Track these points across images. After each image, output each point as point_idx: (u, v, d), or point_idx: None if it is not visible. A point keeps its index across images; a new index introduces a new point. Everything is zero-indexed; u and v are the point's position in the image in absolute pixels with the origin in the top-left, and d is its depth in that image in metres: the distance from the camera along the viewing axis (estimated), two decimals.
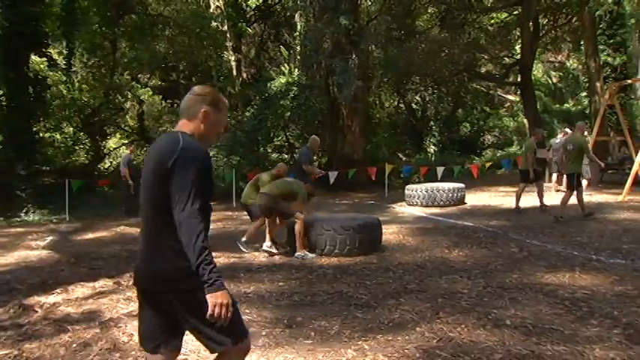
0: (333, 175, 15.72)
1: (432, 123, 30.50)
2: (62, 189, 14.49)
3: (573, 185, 10.38)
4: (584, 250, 7.78)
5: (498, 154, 27.89)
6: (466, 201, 14.21)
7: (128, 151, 14.27)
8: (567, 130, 15.72)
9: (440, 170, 16.54)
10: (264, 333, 4.79)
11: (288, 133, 21.54)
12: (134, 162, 14.28)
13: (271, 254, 8.25)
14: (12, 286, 6.72)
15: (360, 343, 4.44)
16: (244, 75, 25.60)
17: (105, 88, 20.44)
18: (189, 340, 4.59)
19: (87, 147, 21.60)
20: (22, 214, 14.55)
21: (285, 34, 28.21)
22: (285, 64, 24.32)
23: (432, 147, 29.40)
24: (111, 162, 23.23)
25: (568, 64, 33.99)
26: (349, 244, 7.87)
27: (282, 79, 21.21)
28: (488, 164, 20.26)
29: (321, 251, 7.94)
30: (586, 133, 15.08)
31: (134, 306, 5.70)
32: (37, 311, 5.65)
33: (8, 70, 16.16)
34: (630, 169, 13.70)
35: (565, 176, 11.11)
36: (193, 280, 2.44)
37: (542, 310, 5.11)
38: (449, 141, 29.99)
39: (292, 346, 4.45)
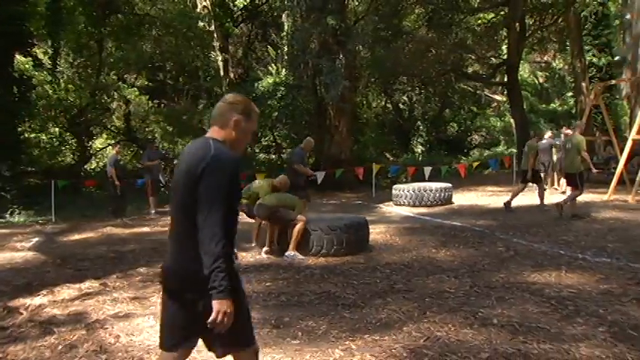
0: (320, 175, 15.72)
1: (419, 123, 30.63)
2: (48, 190, 14.38)
3: (577, 183, 10.54)
4: (570, 249, 7.83)
5: (485, 154, 28.07)
6: (453, 201, 14.25)
7: (114, 152, 14.18)
8: (551, 131, 15.89)
9: (427, 170, 16.59)
10: None
11: (275, 134, 21.53)
12: (120, 162, 14.20)
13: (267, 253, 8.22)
14: None
15: (347, 343, 4.44)
16: (231, 75, 25.50)
17: (91, 88, 20.28)
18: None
19: (73, 147, 21.44)
20: (7, 216, 14.40)
21: (273, 34, 28.18)
22: (273, 64, 24.34)
23: (420, 147, 29.53)
24: (97, 162, 23.10)
25: (554, 64, 34.25)
26: (336, 244, 7.86)
27: (270, 79, 21.20)
28: (475, 164, 20.36)
29: (308, 251, 7.93)
30: (570, 131, 15.19)
31: (121, 307, 5.68)
32: (22, 313, 5.60)
33: None
34: (615, 168, 13.81)
35: (565, 175, 11.16)
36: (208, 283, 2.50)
37: (528, 308, 5.14)
38: (436, 141, 30.13)
39: (280, 346, 4.44)
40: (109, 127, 23.99)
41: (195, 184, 2.55)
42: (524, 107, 24.80)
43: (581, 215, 10.54)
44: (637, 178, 12.97)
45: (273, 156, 22.49)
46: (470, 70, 28.61)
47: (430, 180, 15.81)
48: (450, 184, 14.42)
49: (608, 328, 4.56)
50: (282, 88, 19.83)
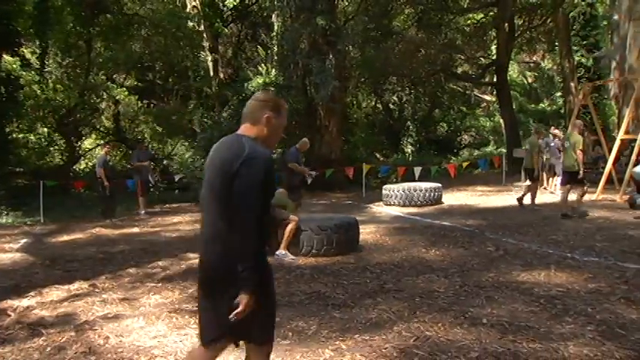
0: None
1: (409, 123, 30.67)
2: (36, 190, 14.28)
3: (581, 182, 10.65)
4: (559, 248, 7.87)
5: (475, 154, 28.15)
6: (443, 200, 14.29)
7: (103, 152, 14.08)
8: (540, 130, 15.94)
9: (417, 170, 16.62)
10: None
11: None
12: (110, 163, 14.13)
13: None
14: None
15: (337, 343, 4.44)
16: (221, 75, 25.40)
17: (80, 89, 20.17)
18: (174, 341, 4.55)
19: (62, 148, 21.32)
20: None
21: (263, 34, 28.10)
22: (263, 65, 24.23)
23: (410, 147, 29.57)
24: (86, 163, 22.97)
25: (543, 64, 34.42)
26: (326, 244, 7.86)
27: (260, 80, 21.11)
28: (465, 164, 20.42)
29: (299, 251, 7.92)
30: (557, 131, 15.29)
31: (110, 308, 5.66)
32: (10, 315, 5.56)
33: None
34: (604, 168, 13.89)
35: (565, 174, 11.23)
36: (240, 277, 2.61)
37: (518, 308, 5.16)
38: (426, 141, 30.21)
39: None
40: (98, 127, 23.89)
41: (231, 180, 2.63)
42: (514, 107, 24.93)
43: (570, 214, 10.60)
44: (625, 178, 13.06)
45: None
46: (459, 70, 28.72)
47: (420, 180, 15.85)
48: (439, 184, 14.46)
49: (597, 326, 4.59)
50: (272, 89, 19.73)
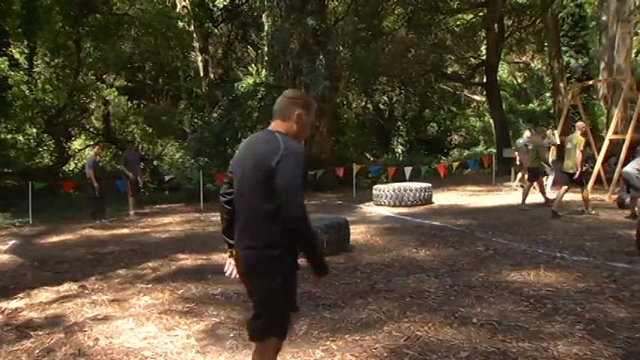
0: None
1: (399, 123, 30.72)
2: (25, 191, 14.19)
3: (582, 181, 10.85)
4: (548, 247, 7.90)
5: (465, 154, 28.21)
6: (433, 200, 14.31)
7: (93, 153, 13.97)
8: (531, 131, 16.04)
9: (408, 170, 16.63)
10: (231, 334, 4.77)
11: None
12: (100, 164, 14.02)
13: None
14: None
15: (328, 343, 4.45)
16: (211, 75, 25.39)
17: (69, 89, 20.04)
18: (155, 343, 4.54)
19: (51, 148, 21.18)
20: None
21: (253, 34, 28.08)
22: (253, 65, 24.22)
23: (400, 147, 29.61)
24: (76, 164, 22.85)
25: (532, 64, 34.58)
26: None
27: (250, 80, 21.08)
28: (455, 164, 20.47)
29: None
30: (549, 131, 15.36)
31: (100, 310, 5.64)
32: None
33: None
34: (593, 168, 13.97)
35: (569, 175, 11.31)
36: (273, 266, 2.88)
37: (507, 307, 5.18)
38: (416, 141, 30.26)
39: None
40: (87, 127, 23.76)
41: (269, 176, 2.77)
42: (503, 107, 25.00)
43: (561, 214, 10.67)
44: (614, 178, 13.13)
45: None
46: (449, 70, 28.80)
47: (411, 180, 15.86)
48: (429, 184, 14.48)
49: (586, 325, 4.62)
50: (263, 89, 19.72)
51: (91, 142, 22.33)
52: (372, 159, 27.28)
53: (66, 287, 6.66)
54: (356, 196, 16.37)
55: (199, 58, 24.05)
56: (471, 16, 24.99)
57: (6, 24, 17.33)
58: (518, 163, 16.02)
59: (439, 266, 7.02)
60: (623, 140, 13.41)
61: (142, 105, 25.52)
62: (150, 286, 6.60)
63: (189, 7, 23.01)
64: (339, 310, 5.31)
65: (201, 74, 24.10)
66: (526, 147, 15.64)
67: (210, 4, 24.50)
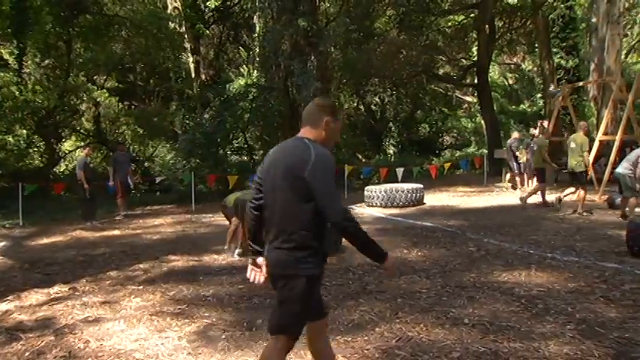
0: None
1: (391, 124, 30.76)
2: (15, 193, 14.11)
3: (583, 182, 10.96)
4: (539, 248, 7.94)
5: (457, 155, 28.28)
6: (425, 201, 14.34)
7: (84, 154, 13.91)
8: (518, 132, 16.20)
9: (399, 171, 16.66)
10: (223, 336, 4.76)
11: (247, 135, 21.41)
12: (90, 165, 13.95)
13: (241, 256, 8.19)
14: None
15: None
16: (203, 76, 25.37)
17: (59, 90, 19.90)
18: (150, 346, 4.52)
19: (41, 150, 21.04)
20: None
21: (244, 35, 28.08)
22: (244, 66, 24.21)
23: (392, 148, 29.64)
24: (67, 165, 22.72)
25: (523, 66, 34.68)
26: None
27: (241, 81, 21.08)
28: (447, 165, 20.52)
29: None
30: (536, 131, 15.42)
31: (90, 312, 5.61)
32: None
33: None
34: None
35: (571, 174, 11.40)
36: (300, 267, 2.97)
37: (499, 308, 5.20)
38: (408, 142, 30.29)
39: (252, 348, 4.43)
40: (78, 129, 23.61)
41: (301, 181, 2.89)
42: (495, 108, 25.08)
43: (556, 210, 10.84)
44: (604, 178, 13.20)
45: (245, 158, 22.36)
46: (441, 71, 28.86)
47: (402, 181, 15.89)
48: (421, 185, 14.50)
49: (577, 325, 4.64)
50: (254, 90, 19.71)
51: (82, 144, 22.19)
52: (363, 160, 27.29)
53: (56, 289, 6.62)
54: (348, 198, 16.37)
55: (191, 59, 24.02)
56: (462, 17, 25.06)
57: None
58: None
59: (431, 267, 7.03)
60: (613, 141, 13.49)
61: (133, 106, 25.43)
62: (141, 287, 6.58)
63: (180, 8, 22.98)
64: (331, 312, 5.28)
65: (193, 75, 24.06)
66: (511, 148, 15.79)
67: (202, 5, 24.48)
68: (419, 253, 7.99)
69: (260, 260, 3.25)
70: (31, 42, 20.08)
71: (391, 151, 29.28)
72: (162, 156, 23.85)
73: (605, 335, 4.40)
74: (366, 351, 4.26)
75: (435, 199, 15.10)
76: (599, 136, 14.16)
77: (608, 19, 17.60)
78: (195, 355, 4.38)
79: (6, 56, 20.00)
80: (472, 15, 23.88)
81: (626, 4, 21.01)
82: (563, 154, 17.86)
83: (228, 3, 25.50)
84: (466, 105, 35.19)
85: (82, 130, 23.70)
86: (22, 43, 19.76)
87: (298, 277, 2.97)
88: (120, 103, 22.80)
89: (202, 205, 15.72)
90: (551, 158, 13.02)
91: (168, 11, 23.14)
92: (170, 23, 22.11)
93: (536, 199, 12.79)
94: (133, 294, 6.28)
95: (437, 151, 30.54)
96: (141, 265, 7.90)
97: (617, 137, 13.36)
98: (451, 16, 25.00)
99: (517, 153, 15.66)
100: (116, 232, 11.72)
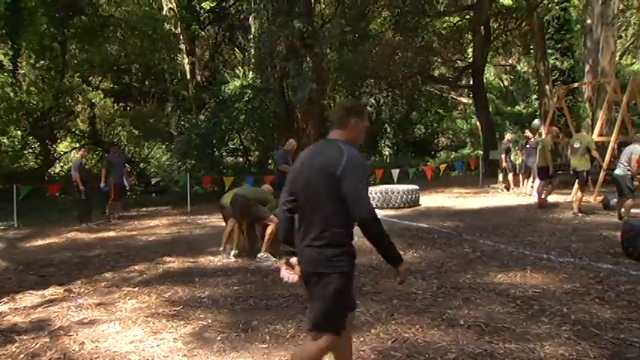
0: None
1: (386, 125, 30.76)
2: (10, 194, 14.07)
3: (584, 182, 11.08)
4: (535, 249, 7.95)
5: (452, 156, 28.32)
6: (420, 203, 14.33)
7: (79, 155, 13.87)
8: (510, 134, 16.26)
9: (395, 172, 16.67)
10: (219, 338, 4.75)
11: (242, 137, 21.40)
12: (86, 166, 13.90)
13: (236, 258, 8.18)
14: None
15: None
16: (198, 78, 25.33)
17: (54, 91, 19.84)
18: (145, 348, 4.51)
19: (36, 151, 21.00)
20: None
21: (240, 36, 28.06)
22: (240, 67, 24.19)
23: (387, 149, 29.66)
24: (62, 166, 22.67)
25: (518, 67, 34.77)
26: None
27: (237, 82, 21.05)
28: (442, 166, 20.54)
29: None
30: (530, 134, 15.46)
31: (86, 314, 5.59)
32: None
33: None
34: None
35: (574, 173, 11.44)
36: (333, 265, 3.08)
37: (494, 309, 5.21)
38: (403, 143, 30.32)
39: (248, 350, 4.43)
40: (73, 130, 23.55)
41: (334, 181, 3.01)
42: (490, 110, 25.13)
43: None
44: (599, 179, 13.23)
45: (241, 159, 22.35)
46: (436, 72, 28.91)
47: (398, 182, 15.89)
48: (417, 186, 14.50)
49: (572, 326, 4.65)
50: (250, 91, 19.68)
51: (77, 145, 22.15)
52: None
53: (51, 291, 6.60)
54: None
55: (186, 61, 23.98)
56: (457, 19, 25.11)
57: None
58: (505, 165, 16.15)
59: (426, 268, 7.03)
60: (608, 142, 13.53)
61: (128, 107, 25.35)
62: (136, 289, 6.56)
63: (175, 9, 22.95)
64: None
65: (188, 77, 24.03)
66: (505, 149, 15.85)
67: (197, 7, 24.45)
68: (414, 255, 7.99)
69: (293, 260, 3.32)
70: (25, 43, 20.05)
71: (387, 153, 29.31)
72: (158, 157, 23.81)
73: (601, 336, 4.42)
74: (361, 352, 4.25)
75: (430, 200, 15.12)
76: (594, 137, 14.19)
77: (602, 20, 17.63)
78: (191, 357, 4.37)
79: (0, 57, 19.93)
80: (467, 16, 23.94)
81: (621, 6, 21.06)
82: (558, 155, 17.96)
83: (224, 4, 25.48)
84: (461, 106, 35.26)
85: (77, 132, 23.64)
86: (17, 44, 19.72)
87: (331, 275, 3.08)
88: (115, 105, 22.76)
89: (198, 207, 15.69)
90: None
91: (164, 12, 23.10)
92: (165, 24, 22.08)
93: (534, 199, 12.84)
94: (129, 295, 6.26)
95: (432, 153, 30.59)
96: (136, 267, 7.88)
97: (612, 139, 13.39)
98: (446, 18, 25.06)
99: (512, 154, 15.73)
100: (111, 234, 11.68)
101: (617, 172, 10.04)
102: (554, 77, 21.80)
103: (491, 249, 8.08)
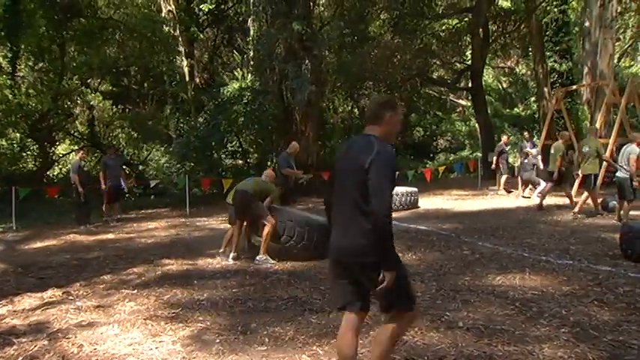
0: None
1: None
2: (8, 197, 14.05)
3: (592, 185, 11.06)
4: (533, 251, 7.95)
5: (451, 158, 28.33)
6: (419, 205, 14.33)
7: (78, 158, 13.85)
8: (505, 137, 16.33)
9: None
10: (218, 340, 4.74)
11: (241, 139, 21.39)
12: (84, 168, 13.88)
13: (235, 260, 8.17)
14: None
15: (314, 348, 4.44)
16: (197, 80, 25.32)
17: (53, 93, 19.85)
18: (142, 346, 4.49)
19: (35, 153, 20.99)
20: None
21: (239, 39, 28.05)
22: (239, 69, 24.18)
23: None
24: (60, 169, 22.66)
25: (517, 69, 34.78)
26: (306, 240, 7.89)
27: (236, 85, 21.04)
28: (441, 168, 20.55)
29: (277, 238, 7.99)
30: (526, 141, 15.48)
31: (84, 316, 5.58)
32: None
33: None
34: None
35: (581, 176, 11.45)
36: (370, 254, 3.21)
37: (493, 311, 5.21)
38: (402, 145, 30.30)
39: (246, 352, 4.42)
40: (72, 132, 23.55)
41: (364, 173, 3.15)
42: (489, 112, 25.14)
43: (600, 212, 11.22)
44: (597, 182, 13.23)
45: (240, 161, 22.33)
46: (435, 75, 28.89)
47: (397, 184, 15.88)
48: (415, 189, 14.49)
49: (571, 328, 4.65)
50: (249, 94, 19.67)
51: (76, 147, 22.13)
52: None
53: (50, 293, 6.59)
54: None
55: (185, 63, 23.99)
56: (456, 21, 25.11)
57: None
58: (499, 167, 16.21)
59: (425, 270, 7.03)
60: (607, 144, 13.54)
61: (127, 109, 25.37)
62: (135, 291, 6.55)
63: (174, 11, 22.96)
64: (326, 315, 5.30)
65: (187, 79, 24.03)
66: (499, 151, 15.88)
67: (196, 9, 24.46)
68: (413, 257, 7.99)
69: None
70: (24, 45, 20.05)
71: None
72: (157, 159, 23.82)
73: (599, 338, 4.42)
74: (360, 355, 4.24)
75: (429, 202, 15.12)
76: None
77: (601, 23, 17.68)
78: None
79: None
80: (466, 19, 23.95)
81: (619, 9, 21.09)
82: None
83: (223, 7, 25.49)
84: (460, 108, 35.27)
85: (76, 134, 23.66)
86: (16, 47, 19.73)
87: (374, 263, 3.21)
88: (114, 107, 22.79)
89: (197, 209, 15.69)
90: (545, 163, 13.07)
91: (163, 15, 23.10)
92: (164, 27, 22.10)
93: (534, 200, 12.85)
94: (127, 298, 6.26)
95: (431, 155, 30.59)
96: (135, 269, 7.87)
97: (611, 141, 13.41)
98: (445, 20, 25.04)
99: (509, 156, 15.76)
100: (110, 236, 11.67)
101: (619, 174, 10.06)
102: (552, 79, 21.81)
103: (490, 251, 8.08)
